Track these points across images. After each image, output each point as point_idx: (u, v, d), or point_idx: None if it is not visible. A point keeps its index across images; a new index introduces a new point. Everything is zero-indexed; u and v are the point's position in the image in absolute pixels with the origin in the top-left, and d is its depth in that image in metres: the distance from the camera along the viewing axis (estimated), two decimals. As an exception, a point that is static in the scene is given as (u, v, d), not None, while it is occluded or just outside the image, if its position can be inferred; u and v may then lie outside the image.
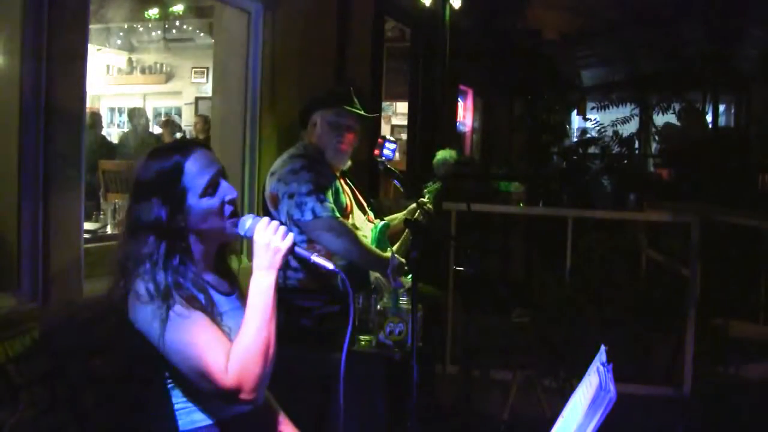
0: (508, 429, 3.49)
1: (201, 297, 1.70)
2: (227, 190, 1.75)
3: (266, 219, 1.73)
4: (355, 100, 3.04)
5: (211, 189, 1.72)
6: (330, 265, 1.74)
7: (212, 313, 1.71)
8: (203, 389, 1.64)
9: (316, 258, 1.75)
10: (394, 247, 3.07)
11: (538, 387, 3.65)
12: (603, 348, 1.50)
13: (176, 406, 1.71)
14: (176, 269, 1.68)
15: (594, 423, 1.33)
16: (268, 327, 1.66)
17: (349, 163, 3.09)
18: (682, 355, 4.18)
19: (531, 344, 4.13)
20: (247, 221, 1.73)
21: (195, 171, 1.71)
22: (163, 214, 1.68)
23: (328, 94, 3.10)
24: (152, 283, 1.64)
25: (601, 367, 1.40)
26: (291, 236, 1.72)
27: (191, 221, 1.72)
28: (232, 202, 1.76)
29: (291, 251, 1.72)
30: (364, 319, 2.69)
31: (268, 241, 1.69)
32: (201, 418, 1.72)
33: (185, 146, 1.76)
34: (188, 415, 1.72)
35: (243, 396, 1.62)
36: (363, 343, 2.62)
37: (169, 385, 1.71)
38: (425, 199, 3.26)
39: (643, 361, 4.19)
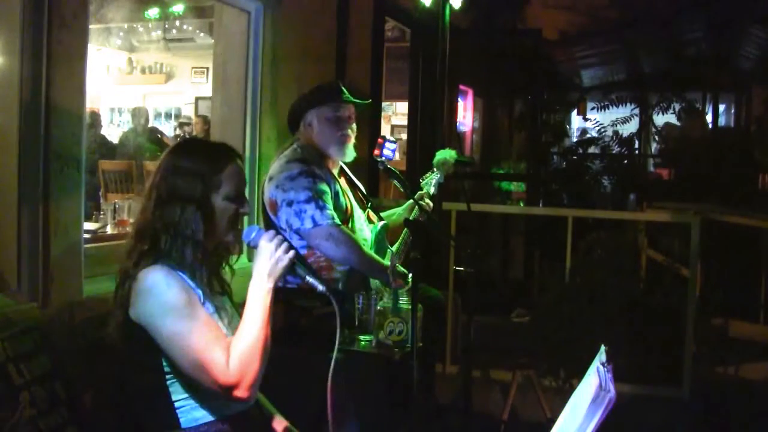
0: (508, 429, 3.49)
1: (199, 292, 1.76)
2: (245, 205, 1.88)
3: (272, 232, 1.83)
4: (344, 90, 3.03)
5: (234, 197, 1.84)
6: (321, 287, 1.83)
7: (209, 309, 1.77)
8: (201, 384, 1.68)
9: (309, 279, 1.83)
10: (394, 247, 3.05)
11: (538, 387, 3.65)
12: (603, 348, 1.50)
13: (177, 403, 1.74)
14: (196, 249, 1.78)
15: (594, 423, 1.33)
16: (266, 328, 1.73)
17: (355, 154, 3.02)
18: (682, 355, 4.17)
19: (531, 344, 4.12)
20: (253, 231, 1.84)
21: (231, 174, 1.84)
22: (199, 189, 1.78)
23: (317, 91, 3.04)
24: (179, 255, 1.75)
25: (601, 367, 1.40)
26: (293, 252, 1.80)
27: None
28: (243, 214, 1.89)
29: (292, 265, 1.80)
30: (364, 319, 2.68)
31: (271, 252, 1.77)
32: (202, 415, 1.75)
33: (234, 152, 1.89)
34: (189, 412, 1.75)
35: (239, 393, 1.67)
36: (363, 343, 2.61)
37: (168, 381, 1.74)
38: (424, 192, 3.23)
39: (643, 361, 4.18)
